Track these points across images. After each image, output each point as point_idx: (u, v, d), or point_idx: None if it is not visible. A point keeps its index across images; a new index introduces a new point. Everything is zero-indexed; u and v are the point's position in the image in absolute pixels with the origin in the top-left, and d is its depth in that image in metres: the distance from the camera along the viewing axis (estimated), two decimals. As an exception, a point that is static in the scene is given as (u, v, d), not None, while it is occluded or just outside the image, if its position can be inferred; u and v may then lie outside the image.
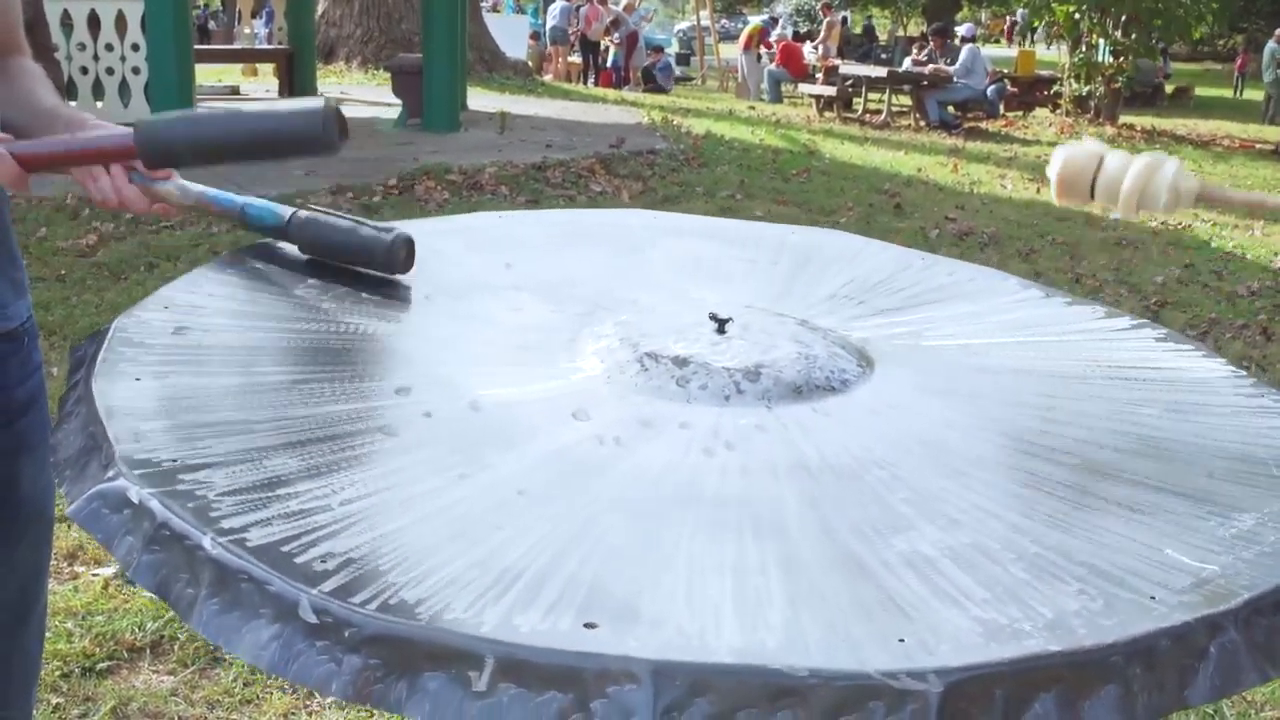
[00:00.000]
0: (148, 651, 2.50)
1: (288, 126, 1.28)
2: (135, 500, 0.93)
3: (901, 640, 0.79)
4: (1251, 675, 0.81)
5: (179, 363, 1.17)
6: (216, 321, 1.28)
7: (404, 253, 1.45)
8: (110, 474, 0.96)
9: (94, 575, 2.79)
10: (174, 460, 0.98)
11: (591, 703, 0.75)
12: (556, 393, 1.19)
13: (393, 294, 1.42)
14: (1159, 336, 1.45)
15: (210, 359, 1.19)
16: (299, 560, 0.86)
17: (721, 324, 1.30)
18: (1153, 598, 0.85)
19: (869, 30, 23.56)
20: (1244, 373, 1.33)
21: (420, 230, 1.71)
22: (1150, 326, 1.48)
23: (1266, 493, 1.04)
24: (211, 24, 18.58)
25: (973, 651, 0.77)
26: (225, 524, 0.90)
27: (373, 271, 1.44)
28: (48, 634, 2.08)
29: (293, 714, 2.35)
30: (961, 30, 15.78)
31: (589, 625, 0.79)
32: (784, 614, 0.82)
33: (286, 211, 1.47)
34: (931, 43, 15.92)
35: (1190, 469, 1.09)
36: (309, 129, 1.27)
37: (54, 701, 2.32)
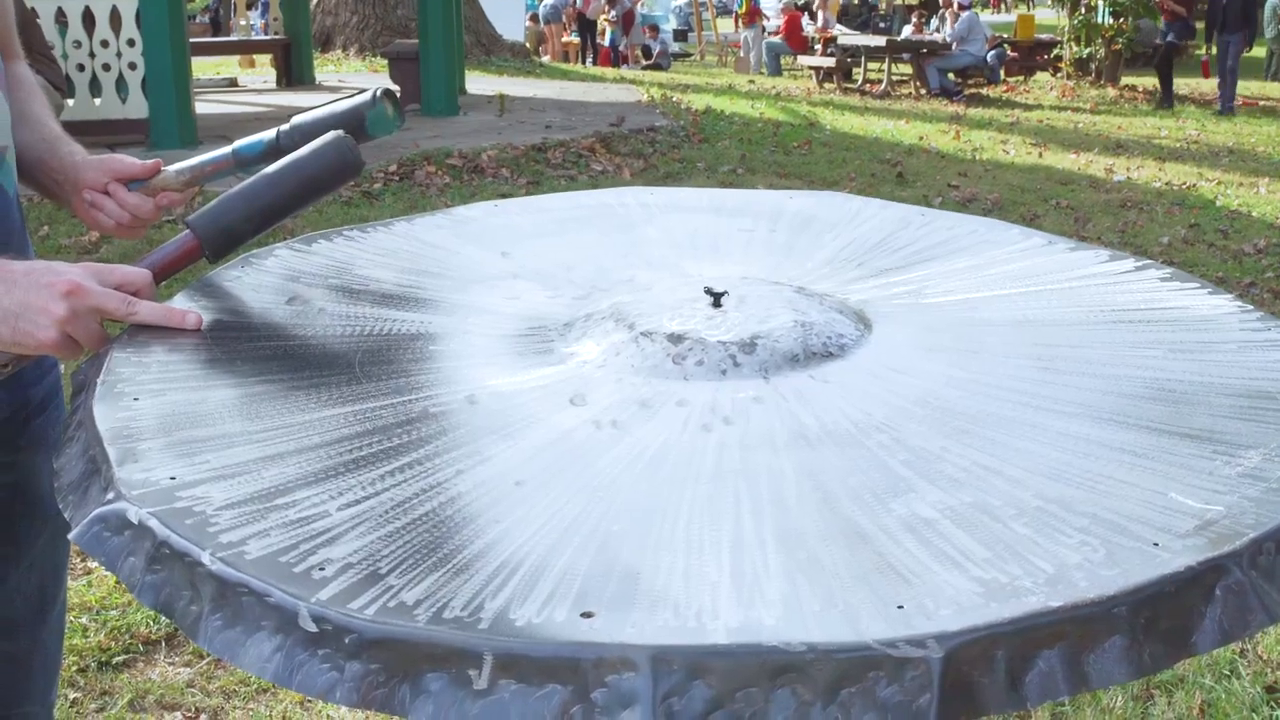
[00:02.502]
0: (163, 644, 2.53)
1: (321, 165, 1.36)
2: (135, 521, 0.93)
3: (900, 607, 0.78)
4: (1260, 616, 0.80)
5: (176, 379, 1.17)
6: (212, 335, 1.28)
7: (390, 104, 1.45)
8: (110, 496, 0.97)
9: (107, 571, 2.81)
10: (172, 478, 0.99)
11: (592, 693, 0.74)
12: (553, 379, 1.19)
13: (389, 293, 1.42)
14: (1164, 276, 1.43)
15: (207, 373, 1.19)
16: (298, 569, 0.86)
17: (717, 297, 1.29)
18: (1156, 544, 0.83)
19: (866, -1, 23.37)
20: (1250, 307, 1.31)
21: (415, 226, 1.71)
22: (1155, 267, 1.46)
23: (1273, 428, 1.02)
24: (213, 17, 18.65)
25: (972, 613, 0.76)
26: (224, 538, 0.90)
27: (375, 139, 1.45)
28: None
29: (309, 701, 2.37)
30: None
31: (585, 615, 0.79)
32: (782, 588, 0.81)
33: (273, 132, 1.48)
34: (914, 24, 15.90)
35: (1195, 409, 1.07)
36: (340, 159, 1.36)
37: (72, 696, 2.35)
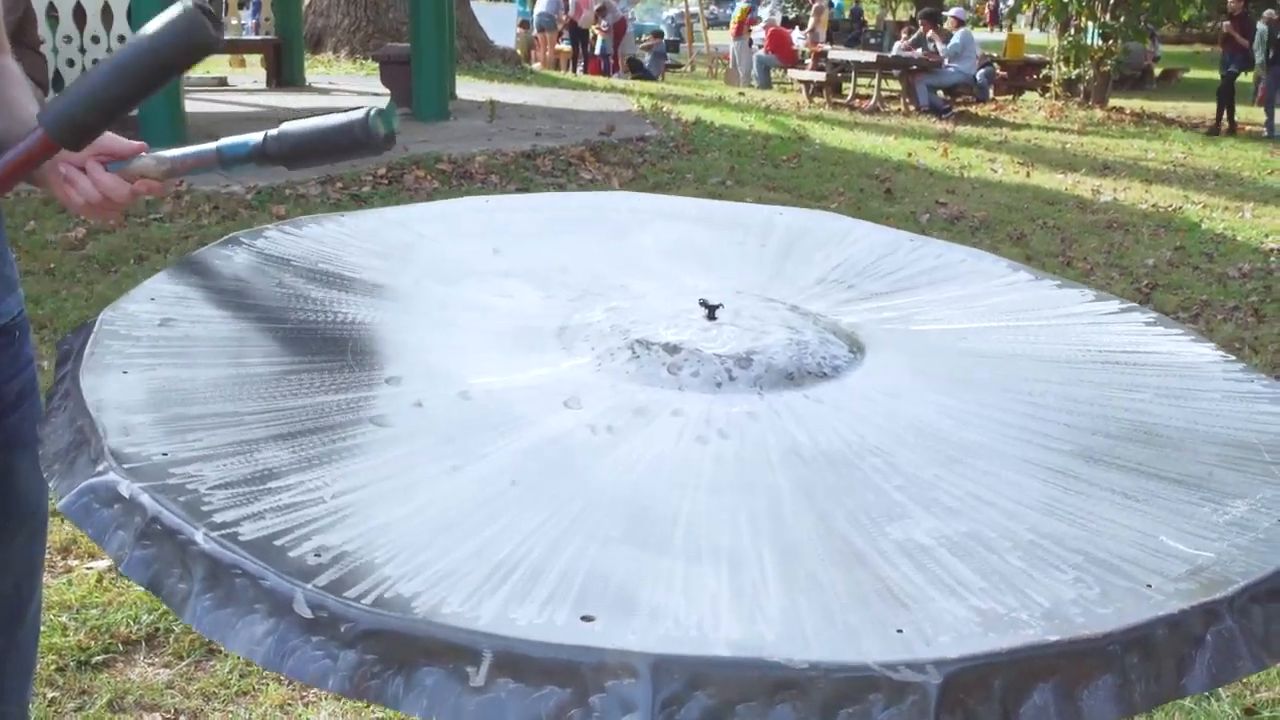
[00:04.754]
0: (143, 644, 2.49)
1: (158, 42, 1.27)
2: (126, 495, 0.92)
3: (900, 631, 0.79)
4: (1248, 663, 0.81)
5: (166, 355, 1.16)
6: (203, 313, 1.27)
7: (381, 121, 1.42)
8: (100, 468, 0.95)
9: (88, 569, 2.78)
10: (164, 454, 0.98)
11: (591, 697, 0.74)
12: (547, 381, 1.19)
13: (381, 282, 1.41)
14: (1148, 320, 1.45)
15: (198, 350, 1.18)
16: (292, 554, 0.86)
17: (712, 310, 1.29)
18: (1149, 586, 0.85)
19: (857, 14, 23.53)
20: (1233, 358, 1.33)
21: (407, 216, 1.71)
22: (1139, 310, 1.48)
23: (1258, 479, 1.04)
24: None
25: (971, 642, 0.77)
26: (217, 518, 0.89)
27: (362, 157, 1.41)
28: (43, 628, 2.07)
29: (289, 705, 2.34)
30: (952, 12, 15.78)
31: (586, 618, 0.79)
32: (781, 605, 0.81)
33: (260, 135, 1.45)
34: (920, 26, 16.01)
35: (1182, 455, 1.09)
36: (172, 39, 1.26)
37: (50, 695, 2.31)
